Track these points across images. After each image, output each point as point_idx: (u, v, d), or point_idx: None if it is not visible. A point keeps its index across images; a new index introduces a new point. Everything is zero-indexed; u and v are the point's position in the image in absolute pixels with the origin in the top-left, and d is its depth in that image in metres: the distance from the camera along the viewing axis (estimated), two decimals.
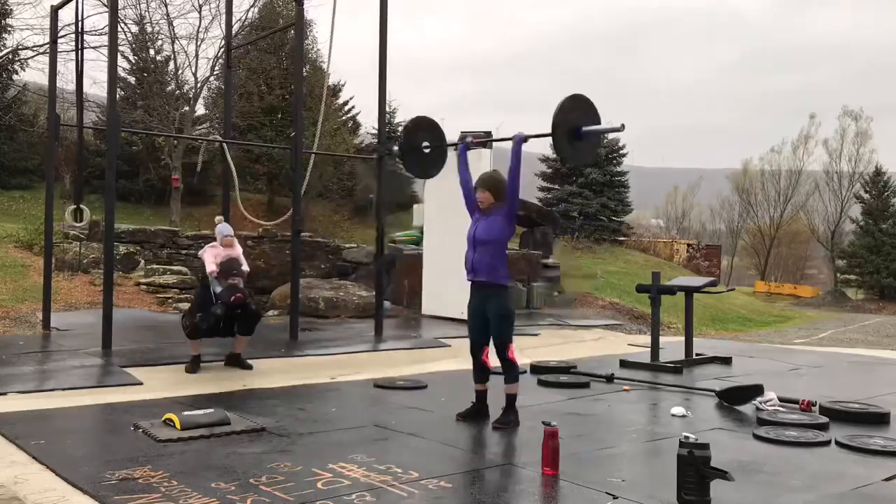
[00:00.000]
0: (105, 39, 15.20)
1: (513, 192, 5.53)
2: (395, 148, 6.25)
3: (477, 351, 5.76)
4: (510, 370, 5.62)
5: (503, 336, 5.62)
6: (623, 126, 5.15)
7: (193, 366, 7.74)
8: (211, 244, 8.01)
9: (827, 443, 5.17)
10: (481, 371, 5.80)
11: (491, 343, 5.71)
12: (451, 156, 6.17)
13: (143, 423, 5.31)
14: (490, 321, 5.62)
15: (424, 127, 6.28)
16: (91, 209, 12.17)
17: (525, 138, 5.58)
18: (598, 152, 37.58)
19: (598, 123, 5.36)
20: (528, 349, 9.68)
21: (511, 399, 5.62)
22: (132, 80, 29.45)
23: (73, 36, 11.36)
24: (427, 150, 6.18)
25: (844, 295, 44.96)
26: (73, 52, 11.06)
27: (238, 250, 7.99)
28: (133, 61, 29.15)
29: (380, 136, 11.47)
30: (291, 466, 4.43)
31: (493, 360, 5.78)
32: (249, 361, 8.01)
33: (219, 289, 7.59)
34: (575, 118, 5.22)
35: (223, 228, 7.97)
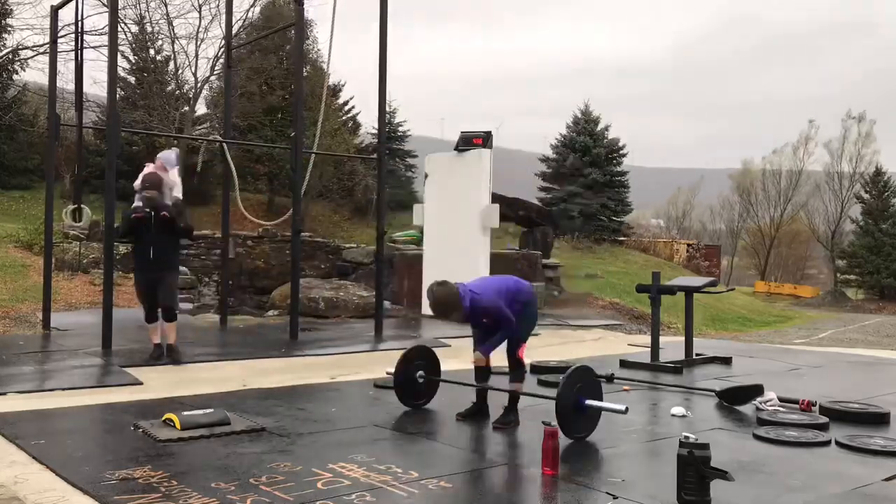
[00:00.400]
0: (105, 39, 15.20)
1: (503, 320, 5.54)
2: (389, 371, 6.14)
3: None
4: (518, 368, 5.69)
5: (523, 335, 5.69)
6: (626, 409, 5.14)
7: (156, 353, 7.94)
8: (147, 165, 8.05)
9: (827, 443, 5.17)
10: (484, 372, 5.81)
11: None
12: (444, 387, 6.20)
13: (143, 423, 5.30)
14: None
15: (422, 357, 6.24)
16: (91, 209, 12.17)
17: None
18: (598, 153, 37.62)
19: (601, 398, 5.31)
20: (528, 349, 9.66)
21: (514, 398, 5.62)
22: (132, 80, 29.47)
23: (73, 36, 11.35)
24: (421, 381, 6.14)
25: (844, 295, 44.96)
26: (73, 52, 11.06)
27: (175, 178, 7.91)
28: (133, 61, 29.17)
29: (380, 136, 11.47)
30: (291, 466, 4.43)
31: (493, 361, 5.78)
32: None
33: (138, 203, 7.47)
34: (579, 390, 5.17)
35: (167, 154, 8.03)
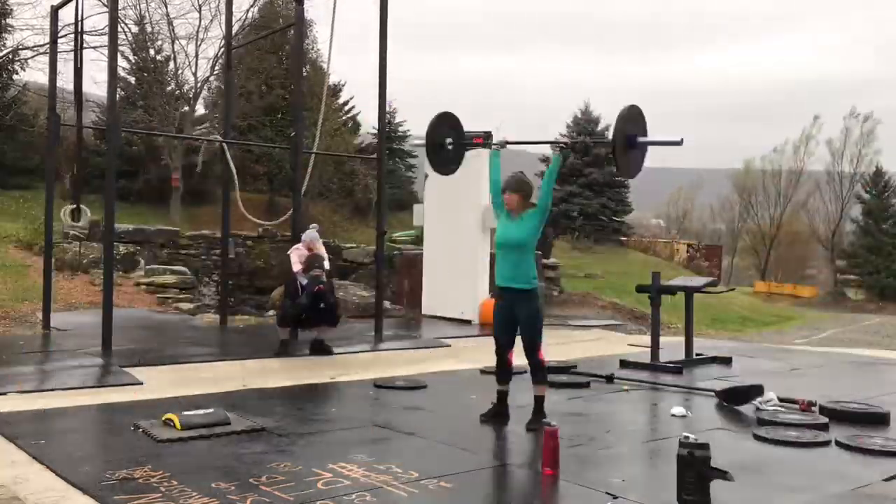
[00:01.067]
0: (105, 39, 15.21)
1: (546, 199, 5.61)
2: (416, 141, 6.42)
3: (503, 352, 5.73)
4: (539, 371, 5.62)
5: (534, 337, 5.60)
6: (682, 140, 5.38)
7: (282, 349, 8.70)
8: (296, 246, 9.05)
9: (827, 443, 5.17)
10: (505, 372, 5.76)
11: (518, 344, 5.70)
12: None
13: (143, 423, 5.30)
14: (520, 324, 5.62)
15: (448, 123, 6.37)
16: (91, 209, 12.18)
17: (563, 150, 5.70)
18: (598, 152, 37.63)
19: (646, 134, 5.58)
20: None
21: (540, 401, 5.60)
22: (132, 80, 29.48)
23: (73, 36, 11.35)
24: (450, 147, 6.28)
25: (844, 295, 44.99)
26: (73, 52, 11.06)
27: (322, 251, 8.92)
28: (133, 61, 29.19)
29: (380, 136, 11.47)
30: (291, 466, 4.43)
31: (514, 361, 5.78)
32: (330, 347, 8.88)
33: (304, 281, 8.49)
34: (631, 128, 5.45)
35: (311, 234, 9.02)
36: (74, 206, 10.96)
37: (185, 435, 5.02)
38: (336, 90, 34.14)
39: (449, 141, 6.26)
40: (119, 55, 19.40)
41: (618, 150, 5.39)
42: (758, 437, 5.29)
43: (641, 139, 5.48)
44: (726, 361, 8.94)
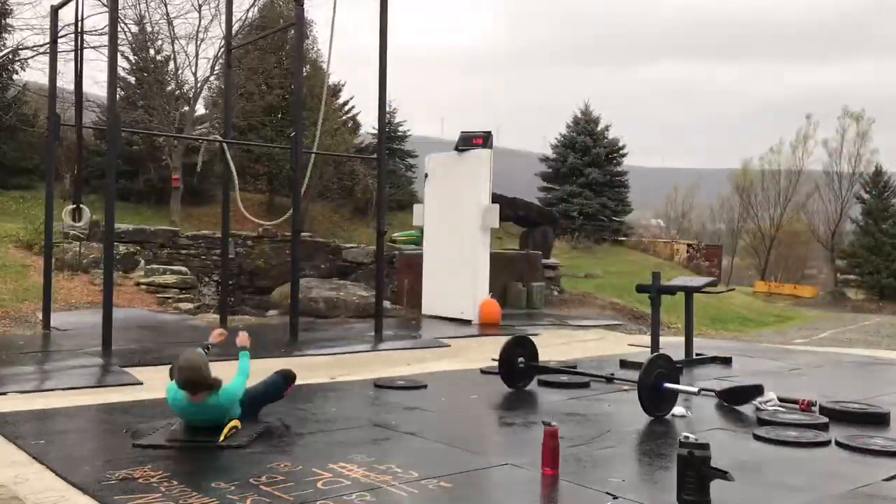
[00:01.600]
0: (105, 39, 15.19)
1: None
2: (494, 358, 7.14)
3: None
4: None
5: None
6: (700, 391, 6.23)
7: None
8: None
9: (827, 443, 5.17)
10: None
11: None
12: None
13: (139, 427, 5.24)
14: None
15: (521, 345, 7.15)
16: (91, 209, 12.17)
17: None
18: (598, 153, 37.64)
19: (678, 381, 6.15)
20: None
21: None
22: (132, 80, 29.47)
23: (73, 36, 11.36)
24: (521, 366, 7.08)
25: (844, 295, 44.99)
26: (73, 52, 11.06)
27: None
28: (133, 61, 29.17)
29: (380, 136, 11.47)
30: (291, 466, 4.43)
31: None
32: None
33: None
34: (658, 374, 5.92)
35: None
36: (74, 206, 10.95)
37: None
38: (336, 90, 34.16)
39: (521, 360, 7.05)
40: (119, 55, 19.38)
41: (643, 393, 5.83)
42: (758, 437, 5.29)
43: (669, 385, 5.94)
44: (726, 361, 8.94)
